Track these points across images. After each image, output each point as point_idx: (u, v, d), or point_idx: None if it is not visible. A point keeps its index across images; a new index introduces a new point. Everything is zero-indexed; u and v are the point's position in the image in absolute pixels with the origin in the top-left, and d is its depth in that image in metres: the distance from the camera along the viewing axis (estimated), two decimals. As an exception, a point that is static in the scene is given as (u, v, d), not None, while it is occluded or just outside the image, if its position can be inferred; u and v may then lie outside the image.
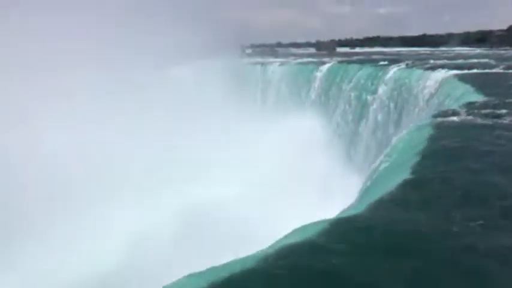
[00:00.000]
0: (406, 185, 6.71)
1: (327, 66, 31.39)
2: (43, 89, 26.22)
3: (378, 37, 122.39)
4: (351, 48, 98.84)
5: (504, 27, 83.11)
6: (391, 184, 6.84)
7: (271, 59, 43.62)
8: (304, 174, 22.15)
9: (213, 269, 4.81)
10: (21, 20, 31.36)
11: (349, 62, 31.32)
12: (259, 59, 44.57)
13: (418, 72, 21.27)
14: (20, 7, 32.58)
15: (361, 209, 6.13)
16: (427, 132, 9.72)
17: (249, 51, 69.66)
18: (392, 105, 21.74)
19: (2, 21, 29.81)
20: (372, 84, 24.31)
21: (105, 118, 25.74)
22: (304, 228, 5.59)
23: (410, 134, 10.49)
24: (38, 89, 26.12)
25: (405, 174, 7.13)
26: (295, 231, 5.59)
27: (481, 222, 5.42)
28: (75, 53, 29.70)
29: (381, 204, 6.14)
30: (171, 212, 19.81)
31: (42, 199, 20.72)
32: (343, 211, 6.60)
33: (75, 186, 21.43)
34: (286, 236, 5.58)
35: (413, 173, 7.18)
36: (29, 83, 26.47)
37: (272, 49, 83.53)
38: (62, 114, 25.23)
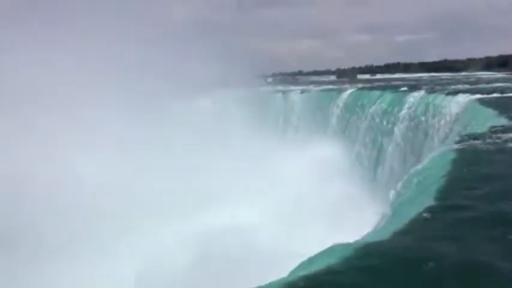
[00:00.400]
0: (430, 211, 6.56)
1: (348, 92, 31.40)
2: (69, 117, 26.78)
3: (398, 63, 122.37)
4: (371, 75, 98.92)
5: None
6: (414, 211, 6.71)
7: (292, 87, 43.82)
8: (324, 201, 22.00)
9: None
10: (48, 46, 32.20)
11: (370, 88, 31.28)
12: (280, 87, 44.87)
13: (439, 97, 21.11)
14: (47, 33, 33.47)
15: (383, 236, 6.00)
16: (451, 157, 9.57)
17: (270, 80, 70.20)
18: (414, 130, 21.56)
19: (34, 47, 30.77)
20: (394, 109, 24.19)
21: (126, 144, 26.10)
22: (324, 255, 5.48)
23: (434, 159, 10.34)
24: (64, 117, 26.70)
25: (429, 201, 6.99)
26: (316, 258, 5.49)
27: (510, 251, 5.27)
28: (98, 79, 30.35)
29: (404, 232, 6.01)
30: (189, 238, 19.76)
31: (64, 225, 20.87)
32: (365, 237, 6.48)
33: (95, 213, 21.59)
34: (306, 263, 5.48)
35: (437, 199, 7.03)
36: (57, 110, 27.05)
37: (293, 77, 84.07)
38: (84, 140, 25.67)
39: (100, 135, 26.44)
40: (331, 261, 5.20)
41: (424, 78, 56.85)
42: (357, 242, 5.89)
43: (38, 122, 26.35)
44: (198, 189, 23.72)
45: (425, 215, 6.38)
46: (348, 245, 5.61)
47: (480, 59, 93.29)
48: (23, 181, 23.15)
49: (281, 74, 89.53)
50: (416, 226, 6.07)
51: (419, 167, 10.46)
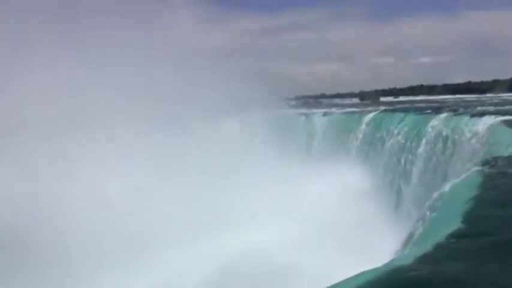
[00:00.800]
0: (455, 235, 6.48)
1: (371, 115, 31.28)
2: (97, 141, 27.38)
3: (422, 86, 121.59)
4: (394, 98, 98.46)
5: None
6: (440, 234, 6.63)
7: (315, 110, 43.86)
8: (348, 224, 21.82)
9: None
10: (76, 71, 33.07)
11: (394, 111, 31.13)
12: (303, 110, 44.94)
13: (464, 118, 20.90)
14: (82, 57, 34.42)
15: (409, 260, 5.94)
16: (476, 180, 9.45)
17: (293, 102, 70.37)
18: (439, 153, 21.33)
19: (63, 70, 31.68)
20: (417, 132, 24.01)
21: (155, 166, 26.51)
22: (349, 279, 5.45)
23: (459, 182, 10.22)
24: (93, 141, 27.32)
25: (454, 225, 6.90)
26: (341, 283, 5.45)
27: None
28: (125, 102, 31.01)
29: (429, 256, 5.94)
30: (210, 258, 19.89)
31: (93, 245, 21.16)
32: (390, 262, 6.41)
33: (120, 233, 21.87)
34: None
35: (463, 222, 6.94)
36: (87, 135, 27.71)
37: (316, 100, 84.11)
38: (112, 163, 26.17)
39: (128, 158, 27.10)
40: (354, 285, 5.16)
41: (448, 100, 56.36)
42: (381, 267, 5.84)
43: (68, 145, 27.02)
44: (221, 211, 23.89)
45: (450, 240, 6.30)
46: (373, 270, 5.57)
47: (505, 81, 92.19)
48: (52, 203, 23.67)
49: (304, 96, 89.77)
50: (441, 251, 5.99)
51: (443, 190, 10.34)
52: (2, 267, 20.57)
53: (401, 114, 27.88)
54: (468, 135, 18.98)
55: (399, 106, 39.47)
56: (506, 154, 12.03)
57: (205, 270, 19.07)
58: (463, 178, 10.57)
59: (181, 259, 20.51)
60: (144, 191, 24.82)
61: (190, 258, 20.40)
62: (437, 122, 22.88)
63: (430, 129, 22.96)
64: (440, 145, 21.42)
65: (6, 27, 35.17)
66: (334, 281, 5.61)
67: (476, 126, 18.88)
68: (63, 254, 20.84)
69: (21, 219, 22.97)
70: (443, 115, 23.58)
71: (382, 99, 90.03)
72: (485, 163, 11.22)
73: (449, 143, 20.62)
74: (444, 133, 21.47)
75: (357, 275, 5.51)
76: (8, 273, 20.10)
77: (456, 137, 20.05)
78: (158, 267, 20.01)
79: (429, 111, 26.85)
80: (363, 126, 30.76)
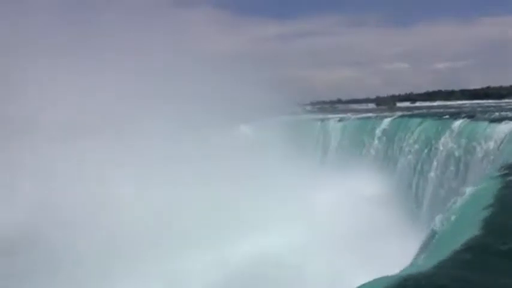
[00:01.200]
0: (472, 243, 6.33)
1: (387, 120, 31.02)
2: (118, 147, 27.74)
3: (439, 91, 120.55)
4: (411, 103, 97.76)
5: None
6: (458, 241, 6.49)
7: (331, 115, 43.69)
8: (362, 230, 21.67)
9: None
10: (101, 76, 33.53)
11: (410, 116, 30.83)
12: (318, 115, 44.82)
13: (483, 124, 20.59)
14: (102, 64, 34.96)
15: (426, 267, 5.81)
16: (495, 186, 9.27)
17: (308, 108, 70.22)
18: (456, 158, 21.04)
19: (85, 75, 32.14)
20: (435, 137, 23.73)
21: (173, 170, 26.73)
22: (361, 286, 5.34)
23: (477, 189, 10.03)
24: (112, 146, 27.68)
25: (472, 232, 6.75)
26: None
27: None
28: (141, 106, 31.32)
29: (447, 263, 5.80)
30: (224, 265, 19.98)
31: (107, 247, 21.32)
32: (407, 269, 6.28)
33: (138, 239, 22.05)
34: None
35: (480, 230, 6.79)
36: (105, 139, 28.07)
37: (331, 105, 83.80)
38: (129, 166, 26.42)
39: (146, 163, 27.72)
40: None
41: (466, 105, 55.79)
42: (398, 274, 5.72)
43: (87, 149, 27.40)
44: (235, 217, 23.92)
45: (467, 246, 6.16)
46: (390, 277, 5.45)
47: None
48: (68, 205, 23.98)
49: (320, 102, 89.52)
50: (458, 258, 5.86)
51: (461, 196, 10.17)
52: (19, 269, 20.81)
53: (418, 120, 27.58)
54: (487, 141, 18.73)
55: (416, 111, 39.11)
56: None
57: (219, 272, 19.16)
58: (481, 184, 10.38)
59: (197, 262, 20.59)
60: (162, 195, 25.01)
61: (204, 261, 20.48)
62: (455, 127, 22.59)
63: (447, 134, 22.69)
64: (458, 151, 21.14)
65: (23, 33, 35.73)
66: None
67: (495, 132, 18.60)
68: (80, 255, 20.98)
69: (36, 219, 23.24)
70: (461, 120, 23.28)
71: (399, 104, 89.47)
72: (504, 169, 11.03)
73: (467, 149, 20.34)
74: (462, 138, 21.19)
75: (370, 283, 5.40)
76: (24, 275, 20.31)
77: (475, 142, 19.77)
78: (174, 268, 20.09)
79: (447, 116, 26.52)
80: (379, 131, 30.52)
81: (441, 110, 37.09)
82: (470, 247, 6.16)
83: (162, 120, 31.06)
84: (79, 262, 20.57)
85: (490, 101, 68.35)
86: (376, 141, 30.57)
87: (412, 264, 6.79)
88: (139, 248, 21.31)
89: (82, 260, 20.67)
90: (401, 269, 6.41)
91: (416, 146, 25.31)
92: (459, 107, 47.01)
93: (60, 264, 20.45)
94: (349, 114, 42.14)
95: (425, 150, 24.21)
